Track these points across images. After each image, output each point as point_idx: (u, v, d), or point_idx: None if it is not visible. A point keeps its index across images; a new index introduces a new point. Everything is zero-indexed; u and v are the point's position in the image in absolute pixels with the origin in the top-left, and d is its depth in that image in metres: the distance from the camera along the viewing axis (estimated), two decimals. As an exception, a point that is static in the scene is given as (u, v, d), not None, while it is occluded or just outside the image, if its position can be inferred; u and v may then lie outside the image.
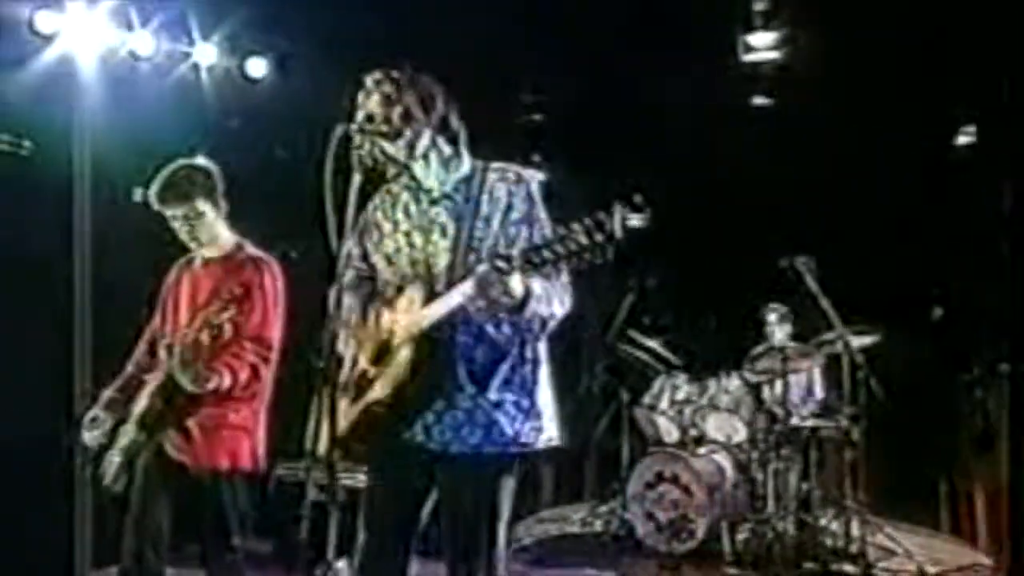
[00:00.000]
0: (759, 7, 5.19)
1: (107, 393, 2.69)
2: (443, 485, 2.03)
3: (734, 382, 4.81)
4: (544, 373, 2.09)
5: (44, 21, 4.13)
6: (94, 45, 4.31)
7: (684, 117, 5.39)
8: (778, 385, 4.59)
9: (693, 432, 4.82)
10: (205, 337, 2.49)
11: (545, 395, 2.08)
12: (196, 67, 4.84)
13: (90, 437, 2.61)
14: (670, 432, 4.92)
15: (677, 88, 5.18)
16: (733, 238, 5.59)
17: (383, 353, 1.97)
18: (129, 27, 4.47)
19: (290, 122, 4.93)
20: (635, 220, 6.68)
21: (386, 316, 2.02)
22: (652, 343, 5.10)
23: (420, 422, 1.96)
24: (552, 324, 2.01)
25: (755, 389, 4.78)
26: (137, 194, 4.66)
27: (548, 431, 2.08)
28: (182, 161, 2.66)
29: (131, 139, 4.39)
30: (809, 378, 4.93)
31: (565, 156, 5.93)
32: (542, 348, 2.08)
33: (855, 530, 4.32)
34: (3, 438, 3.59)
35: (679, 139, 5.55)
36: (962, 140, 5.19)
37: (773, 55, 5.13)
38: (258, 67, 5.00)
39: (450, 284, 1.94)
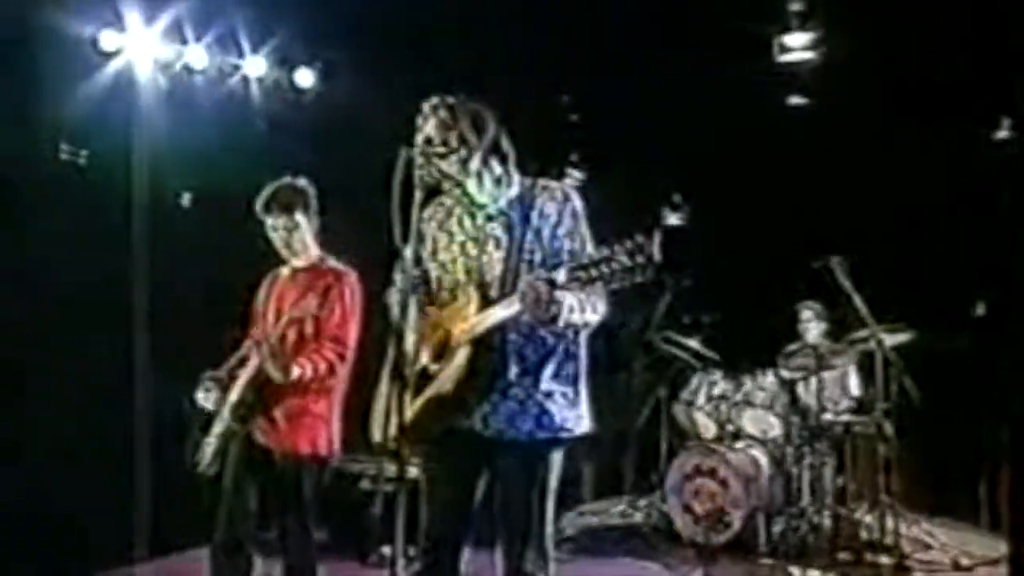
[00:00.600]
0: (795, 8, 5.38)
1: (216, 376, 2.99)
2: (499, 469, 2.27)
3: (769, 379, 4.98)
4: (584, 367, 2.33)
5: (107, 39, 4.50)
6: (152, 60, 4.70)
7: (720, 118, 5.55)
8: (812, 382, 4.76)
9: (729, 427, 5.00)
10: (292, 334, 2.81)
11: (585, 387, 2.32)
12: (246, 79, 5.24)
13: (203, 397, 2.94)
14: (707, 427, 5.11)
15: (714, 89, 5.36)
16: (768, 238, 5.75)
17: (442, 352, 2.22)
18: (184, 42, 4.87)
19: (337, 132, 5.26)
20: (673, 219, 6.89)
21: (443, 318, 2.27)
22: (690, 341, 5.29)
23: (478, 413, 2.21)
24: (587, 329, 2.24)
25: (790, 386, 4.94)
26: (185, 199, 5.05)
27: (587, 419, 2.32)
28: (285, 179, 2.98)
29: (184, 147, 4.75)
30: (843, 375, 5.08)
31: (604, 156, 6.20)
32: (583, 344, 2.32)
33: (889, 523, 4.48)
34: (70, 432, 3.95)
35: (716, 140, 5.71)
36: (1001, 136, 5.29)
37: (809, 55, 5.29)
38: (306, 78, 5.34)
39: (503, 290, 2.18)
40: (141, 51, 4.63)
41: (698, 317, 5.55)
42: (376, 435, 2.28)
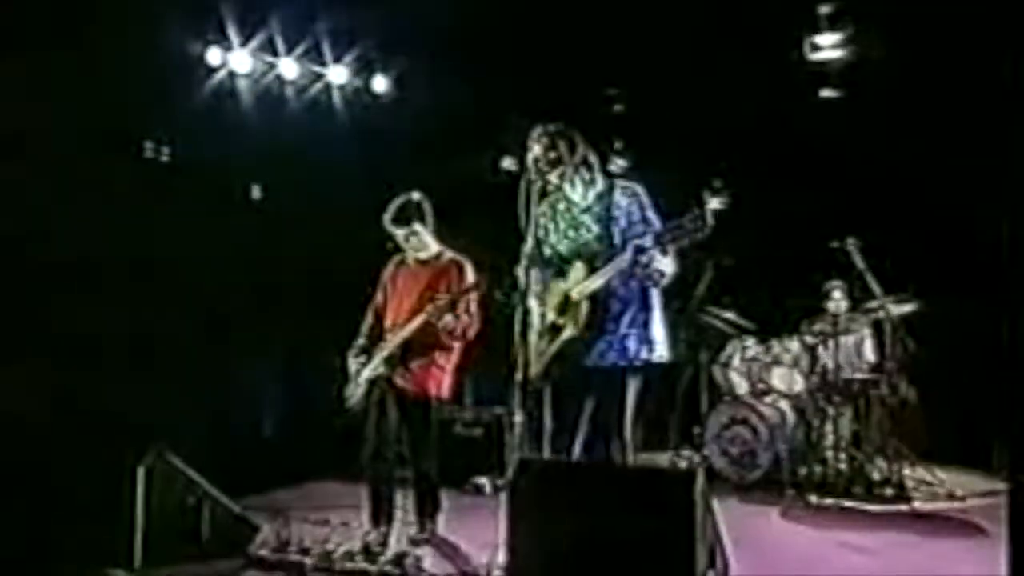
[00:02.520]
0: (825, 10, 6.24)
1: (359, 342, 4.09)
2: (596, 387, 3.32)
3: (794, 343, 5.99)
4: (657, 315, 3.37)
5: (213, 55, 5.59)
6: (249, 73, 5.77)
7: (755, 109, 6.35)
8: (831, 345, 5.77)
9: (760, 385, 6.02)
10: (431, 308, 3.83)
11: (659, 330, 3.36)
12: (329, 86, 6.29)
13: (353, 363, 4.03)
14: (741, 385, 6.14)
15: (750, 82, 6.21)
16: (797, 221, 6.62)
17: (564, 308, 3.31)
18: (275, 54, 5.91)
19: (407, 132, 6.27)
20: (714, 203, 7.80)
21: (560, 284, 3.36)
22: (728, 314, 6.29)
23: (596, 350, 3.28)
24: (665, 280, 3.28)
25: (811, 349, 5.95)
26: (255, 191, 6.08)
27: (659, 351, 3.36)
28: (404, 196, 3.98)
29: (276, 148, 5.85)
30: (860, 340, 6.05)
31: (648, 144, 6.97)
32: (656, 298, 3.37)
33: (895, 465, 5.47)
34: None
35: (751, 130, 6.44)
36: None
37: (837, 53, 6.17)
38: (381, 84, 6.40)
39: (598, 262, 3.26)
40: (239, 65, 5.69)
41: (735, 293, 6.50)
42: (522, 376, 3.28)
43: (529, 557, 2.76)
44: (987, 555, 4.11)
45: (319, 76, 6.25)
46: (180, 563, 3.43)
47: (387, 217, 3.99)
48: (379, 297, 4.15)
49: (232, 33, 5.73)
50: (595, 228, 3.37)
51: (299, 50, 6.09)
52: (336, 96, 6.46)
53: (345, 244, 5.54)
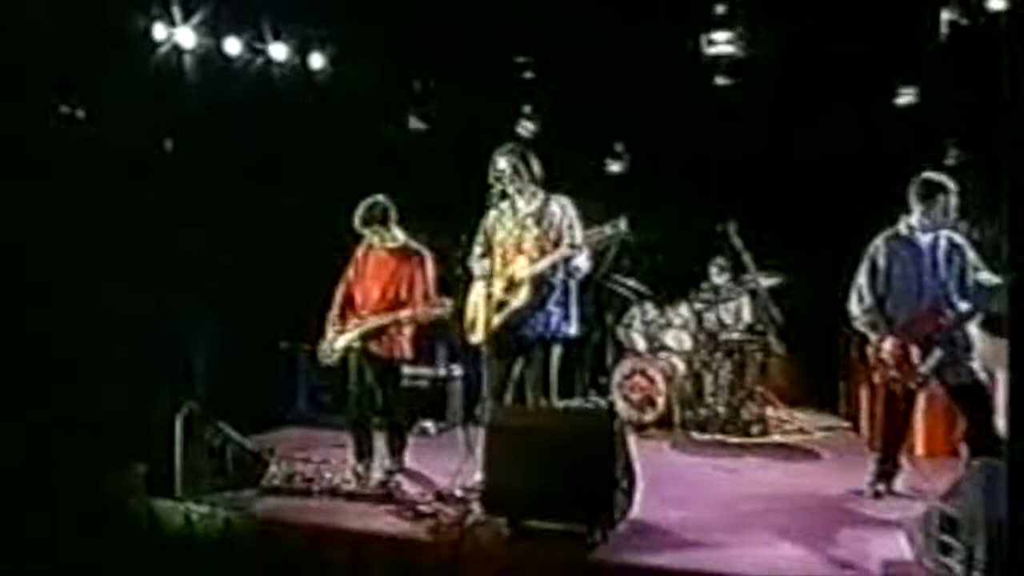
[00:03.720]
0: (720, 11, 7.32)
1: (333, 312, 5.04)
2: (527, 351, 4.50)
3: (684, 309, 7.32)
4: (574, 299, 4.54)
5: (159, 31, 5.96)
6: (192, 49, 6.12)
7: (656, 88, 7.00)
8: (714, 311, 7.12)
9: (656, 343, 7.34)
10: (402, 291, 4.82)
11: (575, 310, 4.54)
12: (269, 62, 6.71)
13: (331, 330, 4.99)
14: (640, 342, 7.44)
15: (651, 61, 6.79)
16: (688, 202, 7.82)
17: (510, 287, 4.43)
18: (218, 32, 6.28)
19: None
20: (615, 166, 8.91)
21: (506, 271, 4.46)
22: (631, 282, 7.53)
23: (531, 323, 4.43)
24: (580, 274, 4.47)
25: (698, 314, 7.29)
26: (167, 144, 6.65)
27: (575, 327, 4.56)
28: (369, 199, 4.86)
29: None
30: (739, 307, 7.42)
31: (554, 111, 7.61)
32: (574, 286, 4.54)
33: (762, 407, 6.91)
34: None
35: (652, 103, 7.18)
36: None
37: (730, 48, 7.31)
38: (317, 61, 6.98)
39: (537, 255, 4.39)
40: (182, 41, 6.03)
41: (636, 264, 7.73)
42: (474, 339, 4.47)
43: (503, 475, 3.91)
44: (822, 473, 5.56)
45: (260, 52, 6.72)
46: (210, 493, 4.39)
47: (357, 219, 4.89)
48: (350, 273, 5.07)
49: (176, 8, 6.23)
50: (535, 230, 4.48)
51: (241, 27, 6.56)
52: (275, 72, 7.14)
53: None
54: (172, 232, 5.90)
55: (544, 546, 3.81)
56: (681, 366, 7.20)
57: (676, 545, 3.90)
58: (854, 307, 4.72)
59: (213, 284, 6.31)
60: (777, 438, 6.60)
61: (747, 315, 7.40)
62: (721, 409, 6.97)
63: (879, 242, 4.68)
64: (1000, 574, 3.08)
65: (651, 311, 7.42)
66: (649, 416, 6.95)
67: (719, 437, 6.57)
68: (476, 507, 4.12)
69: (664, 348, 7.33)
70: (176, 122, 6.26)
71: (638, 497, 4.19)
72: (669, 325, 7.34)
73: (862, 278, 4.69)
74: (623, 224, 4.22)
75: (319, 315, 5.13)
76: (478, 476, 4.39)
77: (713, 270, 7.32)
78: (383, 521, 4.18)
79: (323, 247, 5.79)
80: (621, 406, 7.06)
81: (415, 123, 7.66)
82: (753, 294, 7.10)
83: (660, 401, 6.92)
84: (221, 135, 6.33)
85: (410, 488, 4.69)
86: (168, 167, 6.27)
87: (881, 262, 4.63)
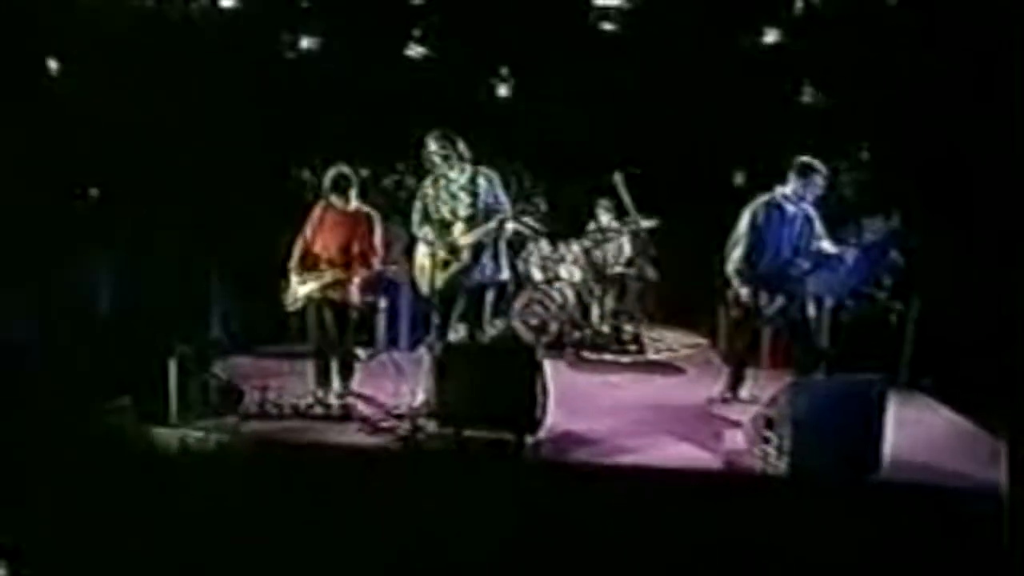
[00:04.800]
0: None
1: (292, 266, 5.94)
2: (467, 294, 5.67)
3: (575, 245, 8.60)
4: (503, 250, 5.70)
5: None
6: None
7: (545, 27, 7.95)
8: (600, 249, 8.43)
9: (550, 274, 8.61)
10: (355, 248, 5.78)
11: (504, 261, 5.73)
12: None
13: (295, 280, 5.92)
14: (537, 275, 8.70)
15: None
16: (581, 151, 8.94)
17: (452, 250, 5.54)
18: None
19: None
20: (503, 89, 9.91)
21: (446, 236, 5.56)
22: (528, 219, 8.65)
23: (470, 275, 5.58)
24: (507, 234, 5.63)
25: (587, 250, 8.58)
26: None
27: (504, 273, 5.78)
28: (335, 170, 5.79)
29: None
30: (620, 243, 8.75)
31: (443, 33, 8.29)
32: (503, 243, 5.69)
33: (638, 329, 8.35)
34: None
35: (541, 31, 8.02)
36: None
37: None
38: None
39: (472, 222, 5.53)
40: None
41: (535, 204, 8.86)
42: (424, 291, 5.59)
43: (449, 396, 5.09)
44: (687, 385, 7.05)
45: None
46: (198, 420, 5.36)
47: (326, 186, 5.85)
48: (308, 232, 6.00)
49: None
50: (466, 199, 5.56)
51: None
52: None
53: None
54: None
55: (483, 451, 5.04)
56: (572, 295, 8.51)
57: (585, 447, 5.23)
58: (735, 253, 5.94)
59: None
60: (652, 356, 8.07)
61: (628, 251, 8.75)
62: (605, 331, 8.37)
63: (759, 204, 5.92)
64: (793, 460, 4.56)
65: (547, 248, 8.65)
66: (544, 338, 8.26)
67: (606, 357, 7.96)
68: (425, 422, 5.29)
69: (558, 279, 8.60)
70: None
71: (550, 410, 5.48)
72: (562, 260, 8.60)
73: (743, 230, 5.93)
74: (540, 203, 5.41)
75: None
76: (422, 397, 5.57)
77: (600, 211, 8.58)
78: (351, 437, 5.30)
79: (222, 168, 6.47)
80: (521, 330, 8.35)
81: (308, 44, 8.34)
82: (633, 233, 8.44)
83: (554, 325, 8.23)
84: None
85: (364, 408, 5.81)
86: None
87: (759, 221, 5.88)
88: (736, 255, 5.92)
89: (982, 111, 6.23)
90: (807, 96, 8.47)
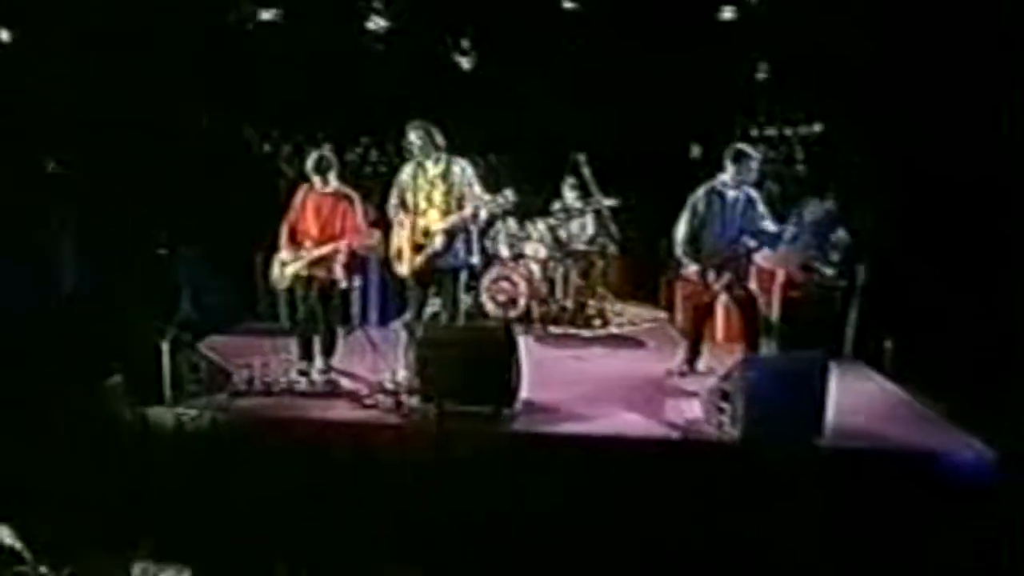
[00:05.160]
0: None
1: (281, 243, 6.25)
2: (441, 277, 6.05)
3: (540, 224, 8.99)
4: (475, 237, 6.08)
5: None
6: None
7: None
8: (565, 227, 8.83)
9: (517, 252, 9.00)
10: (337, 224, 6.10)
11: (475, 246, 6.10)
12: None
13: (282, 258, 6.22)
14: (505, 252, 9.08)
15: None
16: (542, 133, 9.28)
17: (426, 235, 5.91)
18: None
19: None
20: (464, 62, 10.18)
21: (421, 221, 5.92)
22: (499, 197, 8.99)
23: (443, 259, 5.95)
24: (480, 221, 6.00)
25: (552, 228, 8.97)
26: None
27: (475, 257, 6.16)
28: (317, 153, 6.14)
29: None
30: (584, 222, 9.16)
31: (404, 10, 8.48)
32: (474, 230, 6.06)
33: (601, 304, 8.80)
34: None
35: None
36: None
37: None
38: None
39: (446, 209, 5.90)
40: None
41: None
42: (400, 272, 5.93)
43: (430, 373, 5.47)
44: (647, 358, 7.52)
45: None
46: (191, 399, 5.68)
47: (309, 167, 6.16)
48: (292, 216, 6.31)
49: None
50: (441, 186, 5.91)
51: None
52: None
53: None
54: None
55: (463, 423, 5.45)
56: (538, 271, 8.92)
57: (556, 418, 5.67)
58: (678, 237, 6.47)
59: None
60: (614, 330, 8.54)
61: (591, 229, 9.17)
62: (570, 305, 8.81)
63: (700, 193, 6.41)
64: (745, 428, 5.06)
65: (514, 226, 9.03)
66: (512, 313, 8.68)
67: (571, 331, 8.41)
68: (407, 398, 5.68)
69: (523, 256, 9.00)
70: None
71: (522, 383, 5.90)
72: (528, 238, 8.99)
73: (684, 217, 6.44)
74: (510, 196, 5.76)
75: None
76: (403, 373, 5.96)
77: (565, 189, 8.96)
78: (337, 412, 5.67)
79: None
80: (489, 305, 8.75)
81: (267, 16, 8.53)
82: (596, 212, 8.85)
83: (521, 301, 8.64)
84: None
85: (347, 383, 6.17)
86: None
87: (700, 208, 6.38)
88: (679, 238, 6.47)
89: (926, 92, 6.70)
90: (762, 73, 8.86)
